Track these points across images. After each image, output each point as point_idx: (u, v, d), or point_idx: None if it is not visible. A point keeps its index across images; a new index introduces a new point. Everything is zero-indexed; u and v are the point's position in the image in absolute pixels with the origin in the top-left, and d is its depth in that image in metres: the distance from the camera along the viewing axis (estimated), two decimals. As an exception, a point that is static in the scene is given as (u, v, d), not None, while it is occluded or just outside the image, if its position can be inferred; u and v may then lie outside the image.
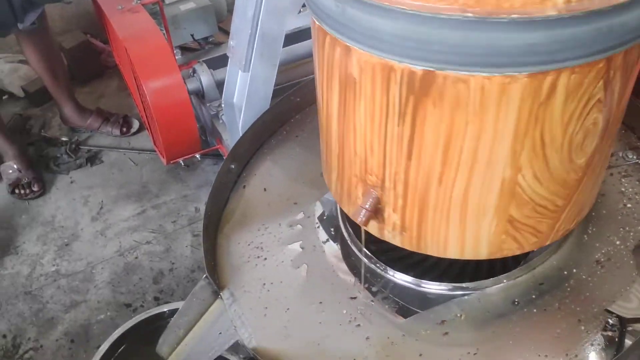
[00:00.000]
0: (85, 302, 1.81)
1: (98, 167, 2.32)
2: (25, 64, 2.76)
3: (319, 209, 1.45)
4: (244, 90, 1.66)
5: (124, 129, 2.44)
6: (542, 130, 0.82)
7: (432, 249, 1.04)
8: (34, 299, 1.84)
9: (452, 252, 1.03)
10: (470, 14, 0.69)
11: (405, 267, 1.27)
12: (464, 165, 0.88)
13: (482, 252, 1.01)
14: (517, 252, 1.03)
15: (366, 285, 1.28)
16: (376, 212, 1.03)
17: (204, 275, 1.28)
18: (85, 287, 1.85)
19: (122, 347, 1.53)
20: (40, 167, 2.31)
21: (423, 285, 1.22)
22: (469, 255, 1.03)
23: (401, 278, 1.24)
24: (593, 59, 0.75)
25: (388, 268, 1.26)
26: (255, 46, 1.56)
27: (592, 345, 1.06)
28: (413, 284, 1.23)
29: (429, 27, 0.72)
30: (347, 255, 1.33)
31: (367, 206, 1.00)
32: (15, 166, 2.21)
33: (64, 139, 2.42)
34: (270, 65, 1.61)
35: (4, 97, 2.72)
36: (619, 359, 1.01)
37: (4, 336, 1.73)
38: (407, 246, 1.06)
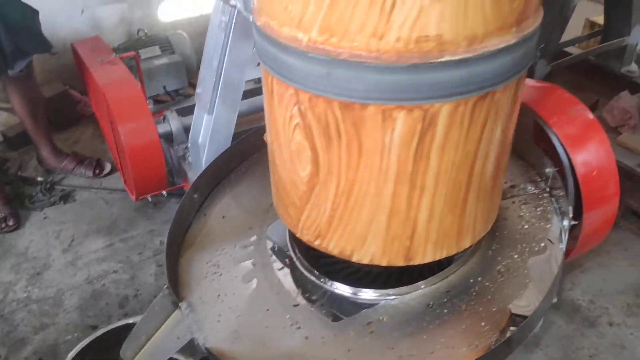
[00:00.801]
0: (54, 324, 1.94)
1: (71, 205, 2.49)
2: (5, 111, 2.96)
3: (271, 234, 1.66)
4: (208, 131, 1.90)
5: (97, 171, 2.63)
6: (275, 116, 1.19)
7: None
8: (6, 322, 1.96)
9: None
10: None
11: (343, 278, 1.48)
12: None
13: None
14: (288, 223, 1.38)
15: (307, 295, 1.48)
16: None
17: (165, 286, 1.46)
18: (55, 311, 1.99)
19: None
20: (16, 205, 2.46)
21: (354, 292, 1.44)
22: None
23: (337, 287, 1.45)
24: (282, 79, 1.08)
25: (326, 279, 1.47)
26: (219, 92, 1.81)
27: (490, 337, 1.27)
28: (346, 292, 1.44)
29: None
30: (293, 269, 1.54)
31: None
32: (-7, 201, 2.37)
33: (39, 179, 2.60)
34: (232, 109, 1.85)
35: (-14, 141, 2.90)
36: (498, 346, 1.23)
37: (-25, 355, 1.85)
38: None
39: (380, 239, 1.24)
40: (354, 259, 1.29)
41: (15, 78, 2.29)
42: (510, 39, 0.96)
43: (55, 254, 2.24)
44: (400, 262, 1.29)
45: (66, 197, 2.52)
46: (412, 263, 1.29)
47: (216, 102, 1.83)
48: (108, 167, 2.65)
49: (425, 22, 0.88)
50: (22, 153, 2.82)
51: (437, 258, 1.30)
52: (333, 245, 1.29)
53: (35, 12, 2.27)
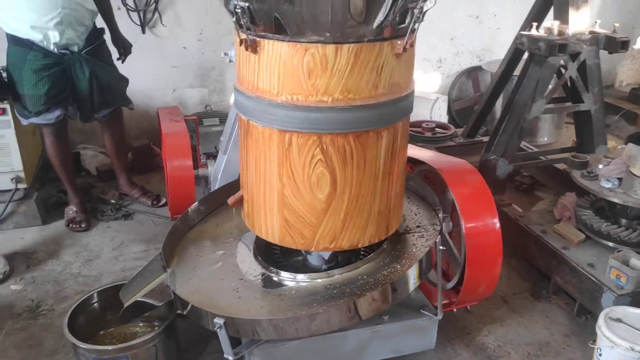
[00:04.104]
0: (90, 292, 2.65)
1: (129, 222, 3.29)
2: (102, 154, 3.91)
3: (244, 238, 2.31)
4: (222, 167, 2.64)
5: (155, 202, 3.45)
6: (293, 164, 1.76)
7: (259, 231, 1.96)
8: (59, 285, 2.70)
9: (262, 234, 1.95)
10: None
11: (279, 267, 2.08)
12: (260, 175, 1.84)
13: (275, 237, 1.90)
14: (301, 245, 1.87)
15: (252, 274, 2.09)
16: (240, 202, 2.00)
17: (159, 252, 2.14)
18: (93, 284, 2.70)
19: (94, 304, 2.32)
20: (91, 216, 3.30)
21: (281, 275, 2.03)
22: (271, 238, 1.92)
23: (272, 271, 2.06)
24: (306, 131, 1.72)
25: (267, 266, 2.08)
26: (232, 139, 2.56)
27: (355, 309, 1.81)
28: (275, 275, 2.04)
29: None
30: (247, 259, 2.17)
31: (236, 196, 1.98)
32: (74, 209, 3.22)
33: (112, 201, 3.45)
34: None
35: (82, 173, 3.84)
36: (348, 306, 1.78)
37: (32, 300, 2.58)
38: (249, 226, 2.01)
39: (374, 224, 1.87)
40: (359, 245, 1.89)
41: (104, 121, 3.22)
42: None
43: (106, 250, 3.00)
44: (383, 236, 1.93)
45: (127, 216, 3.33)
46: (390, 233, 1.95)
47: (229, 146, 2.58)
48: (163, 201, 3.46)
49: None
50: (107, 184, 3.71)
51: (398, 224, 1.99)
52: (345, 242, 1.86)
53: (124, 79, 3.22)
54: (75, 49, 2.91)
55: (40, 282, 2.74)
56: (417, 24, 1.63)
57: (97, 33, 3.04)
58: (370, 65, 1.63)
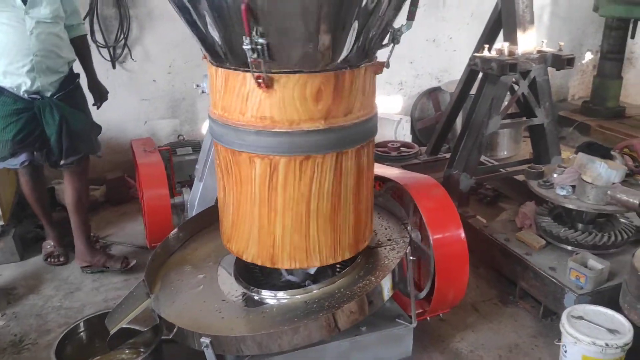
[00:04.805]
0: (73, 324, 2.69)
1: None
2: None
3: (223, 262, 2.40)
4: (199, 194, 2.73)
5: (123, 265, 3.18)
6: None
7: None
8: (41, 318, 2.73)
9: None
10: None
11: (260, 287, 2.18)
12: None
13: None
14: (221, 232, 2.16)
15: (233, 295, 2.18)
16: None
17: (142, 279, 2.22)
18: (76, 316, 2.73)
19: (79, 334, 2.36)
20: (69, 249, 3.33)
21: (261, 294, 2.13)
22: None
23: (253, 291, 2.15)
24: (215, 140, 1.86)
25: (248, 286, 2.18)
26: (207, 166, 2.67)
27: (334, 321, 1.92)
28: (256, 294, 2.14)
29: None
30: (228, 281, 2.26)
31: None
32: (52, 243, 3.26)
33: (91, 234, 3.48)
34: (215, 180, 2.68)
35: (57, 208, 3.87)
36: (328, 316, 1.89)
37: (15, 335, 2.61)
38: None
39: (255, 245, 1.99)
40: (244, 258, 2.05)
41: (69, 171, 3.04)
42: (318, 125, 1.78)
43: (87, 282, 3.04)
44: (268, 264, 2.02)
45: (104, 248, 3.38)
46: (276, 267, 2.03)
47: (205, 173, 2.69)
48: (133, 262, 3.19)
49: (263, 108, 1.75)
50: (83, 218, 3.75)
51: (292, 267, 2.03)
52: (234, 247, 2.07)
53: (95, 126, 3.14)
54: (48, 94, 2.85)
55: (22, 316, 2.76)
56: (260, 60, 1.65)
57: (71, 78, 2.98)
58: (237, 91, 1.81)
